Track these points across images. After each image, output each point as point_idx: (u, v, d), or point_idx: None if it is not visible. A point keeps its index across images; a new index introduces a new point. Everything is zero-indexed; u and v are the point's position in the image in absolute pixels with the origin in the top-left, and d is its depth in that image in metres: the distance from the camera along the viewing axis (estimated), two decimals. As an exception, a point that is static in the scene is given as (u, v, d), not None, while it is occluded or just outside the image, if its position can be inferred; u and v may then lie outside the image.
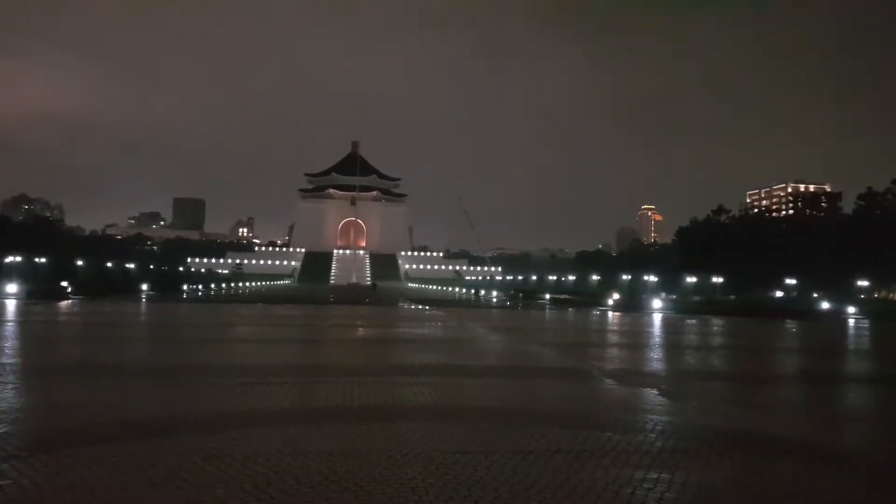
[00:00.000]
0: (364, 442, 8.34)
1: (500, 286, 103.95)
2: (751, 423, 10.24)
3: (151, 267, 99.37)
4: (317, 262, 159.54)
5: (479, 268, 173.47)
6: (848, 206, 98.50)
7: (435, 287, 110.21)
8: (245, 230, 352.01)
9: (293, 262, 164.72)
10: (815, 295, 73.22)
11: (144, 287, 61.19)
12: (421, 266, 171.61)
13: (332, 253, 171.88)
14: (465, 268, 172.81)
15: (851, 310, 54.06)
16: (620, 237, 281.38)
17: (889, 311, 60.27)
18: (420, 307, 49.90)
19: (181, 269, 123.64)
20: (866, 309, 56.62)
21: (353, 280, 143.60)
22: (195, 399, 11.47)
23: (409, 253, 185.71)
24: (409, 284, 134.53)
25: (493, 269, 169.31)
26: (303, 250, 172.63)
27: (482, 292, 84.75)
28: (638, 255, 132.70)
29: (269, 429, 9.03)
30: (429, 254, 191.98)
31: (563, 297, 72.49)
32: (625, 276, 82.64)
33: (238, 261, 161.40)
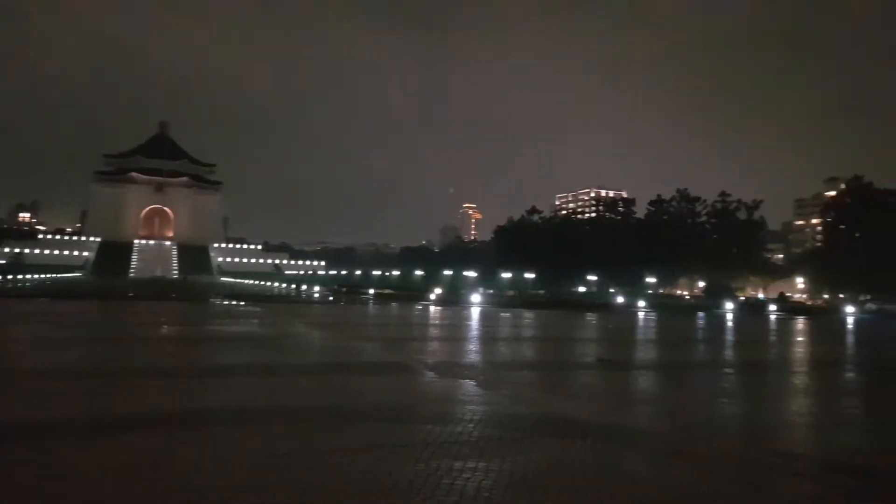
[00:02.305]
0: (171, 451, 7.62)
1: (323, 281, 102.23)
2: (558, 408, 10.91)
3: None
4: (114, 253, 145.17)
5: (300, 262, 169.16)
6: (641, 210, 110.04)
7: (252, 282, 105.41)
8: (27, 215, 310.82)
9: (86, 253, 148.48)
10: (612, 290, 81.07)
11: None
12: (236, 259, 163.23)
13: (133, 243, 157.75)
14: (285, 261, 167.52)
15: (641, 303, 60.50)
16: (443, 234, 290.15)
17: (671, 305, 68.40)
18: (234, 303, 47.45)
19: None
20: (653, 303, 63.79)
21: (158, 273, 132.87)
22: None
23: (224, 245, 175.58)
24: (223, 279, 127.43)
25: (315, 263, 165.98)
26: (98, 240, 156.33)
27: (304, 287, 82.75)
28: (459, 252, 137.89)
29: (56, 441, 7.94)
30: (246, 246, 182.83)
31: (387, 291, 73.11)
32: (447, 272, 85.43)
33: (17, 250, 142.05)
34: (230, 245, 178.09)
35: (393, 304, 54.69)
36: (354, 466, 6.98)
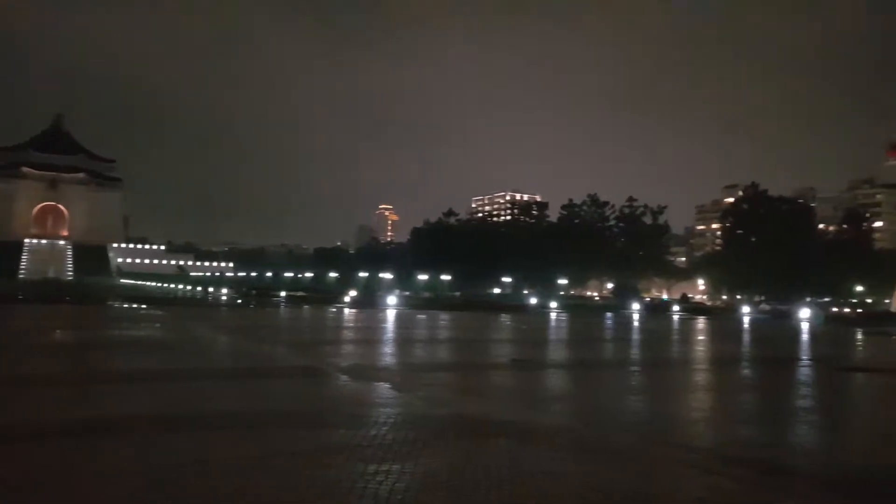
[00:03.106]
0: (68, 462, 7.09)
1: (232, 283, 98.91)
2: (473, 409, 10.91)
3: None
4: (2, 253, 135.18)
5: (207, 263, 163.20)
6: (554, 214, 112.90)
7: (155, 284, 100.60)
8: None
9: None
10: (526, 292, 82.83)
11: None
12: (138, 260, 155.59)
13: (23, 242, 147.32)
14: (191, 263, 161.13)
15: (553, 304, 62.09)
16: (359, 235, 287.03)
17: (580, 306, 70.59)
18: (135, 306, 45.09)
19: None
20: (565, 304, 65.64)
21: (51, 274, 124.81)
22: None
23: (124, 245, 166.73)
24: (122, 280, 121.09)
25: (223, 264, 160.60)
26: None
27: (210, 289, 79.74)
28: (375, 253, 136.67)
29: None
30: (148, 246, 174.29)
31: (299, 294, 71.59)
32: (362, 274, 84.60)
33: None
34: (131, 245, 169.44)
35: (305, 306, 53.56)
36: (264, 473, 6.73)
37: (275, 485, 6.36)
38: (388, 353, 20.68)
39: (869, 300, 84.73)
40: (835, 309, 73.61)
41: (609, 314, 55.82)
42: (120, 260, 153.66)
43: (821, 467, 8.13)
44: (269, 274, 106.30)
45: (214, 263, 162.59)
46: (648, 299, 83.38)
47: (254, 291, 78.27)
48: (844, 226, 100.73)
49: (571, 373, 17.39)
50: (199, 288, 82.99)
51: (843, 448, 9.57)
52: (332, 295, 66.54)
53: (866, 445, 9.79)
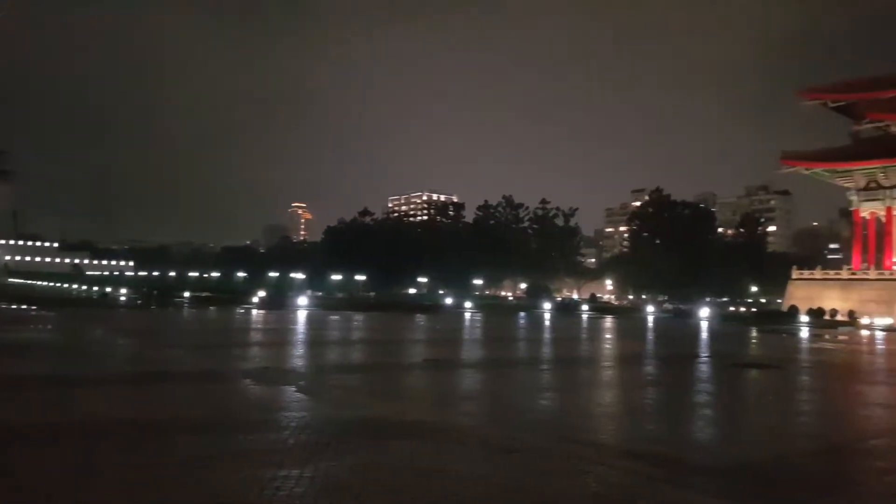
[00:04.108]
0: None
1: (131, 282, 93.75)
2: (381, 411, 10.68)
3: None
4: None
5: (105, 262, 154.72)
6: (470, 215, 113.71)
7: (47, 283, 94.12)
8: None
9: None
10: (441, 292, 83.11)
11: None
12: (28, 258, 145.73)
13: None
14: (87, 261, 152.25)
15: (468, 304, 62.52)
16: (270, 233, 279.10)
17: (495, 305, 71.47)
18: (24, 307, 41.99)
19: None
20: (479, 304, 66.21)
21: None
22: None
23: (13, 242, 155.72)
24: (11, 280, 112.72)
25: (123, 263, 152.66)
26: None
27: (108, 290, 75.26)
28: (287, 253, 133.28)
29: None
30: (40, 244, 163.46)
31: (204, 294, 68.70)
32: (273, 274, 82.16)
33: None
34: (21, 242, 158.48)
35: (211, 307, 51.52)
36: (156, 480, 6.35)
37: (166, 492, 6.00)
38: (295, 355, 20.10)
39: (763, 300, 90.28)
40: (732, 308, 77.93)
41: (522, 314, 56.80)
42: (8, 258, 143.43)
43: (713, 458, 8.41)
44: (172, 273, 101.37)
45: (113, 262, 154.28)
46: (560, 299, 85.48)
47: (155, 292, 74.33)
48: (741, 229, 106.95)
49: (483, 372, 17.40)
50: (95, 288, 78.19)
51: (736, 440, 9.94)
52: (239, 295, 64.18)
53: (757, 437, 10.23)
